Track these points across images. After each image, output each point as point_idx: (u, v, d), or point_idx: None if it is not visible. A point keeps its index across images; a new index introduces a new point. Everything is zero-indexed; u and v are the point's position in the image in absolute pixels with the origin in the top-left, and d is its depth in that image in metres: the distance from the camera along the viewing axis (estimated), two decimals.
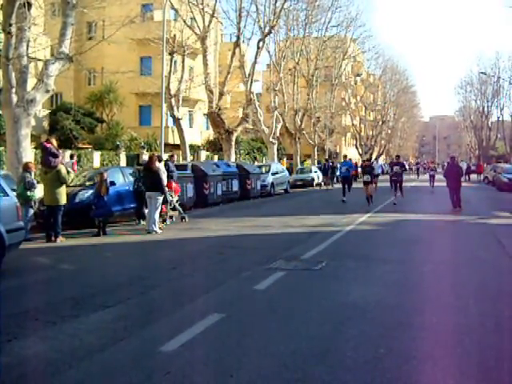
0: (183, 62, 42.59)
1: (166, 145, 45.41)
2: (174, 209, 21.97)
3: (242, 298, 9.71)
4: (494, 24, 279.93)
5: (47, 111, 40.87)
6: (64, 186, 17.55)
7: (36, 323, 8.29)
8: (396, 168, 32.89)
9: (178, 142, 43.95)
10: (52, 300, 9.66)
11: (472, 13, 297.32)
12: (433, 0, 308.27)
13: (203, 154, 51.72)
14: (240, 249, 15.13)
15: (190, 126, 57.50)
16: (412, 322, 8.19)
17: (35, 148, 32.28)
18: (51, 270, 12.92)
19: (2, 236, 11.79)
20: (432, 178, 46.75)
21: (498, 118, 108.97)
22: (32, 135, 36.74)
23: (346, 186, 33.34)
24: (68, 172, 17.87)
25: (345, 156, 37.53)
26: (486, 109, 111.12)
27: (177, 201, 21.98)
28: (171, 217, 22.10)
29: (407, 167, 37.63)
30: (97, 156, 36.43)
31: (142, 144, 42.20)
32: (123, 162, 37.80)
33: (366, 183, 29.95)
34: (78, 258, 14.83)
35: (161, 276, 11.74)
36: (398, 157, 34.35)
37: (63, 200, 17.46)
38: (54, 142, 18.50)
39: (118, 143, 40.92)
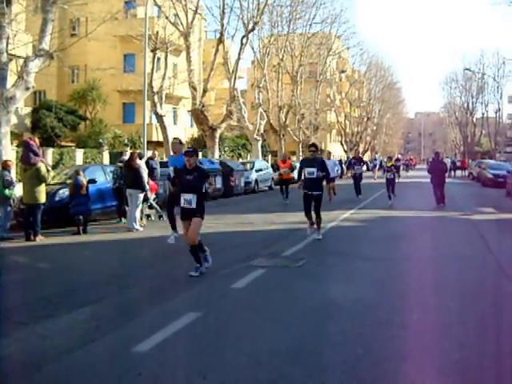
0: (166, 58, 42.33)
1: (150, 142, 45.18)
2: (151, 207, 21.69)
3: (219, 296, 9.54)
4: (478, 21, 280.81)
5: (29, 109, 40.51)
6: (43, 185, 17.25)
7: (8, 324, 8.09)
8: (357, 167, 33.34)
9: (161, 139, 43.69)
10: (26, 300, 9.45)
11: (456, 9, 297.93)
12: None
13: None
14: (220, 246, 14.91)
15: (175, 123, 57.15)
16: (392, 320, 8.05)
17: (17, 146, 32.05)
18: (28, 269, 12.70)
19: None
20: (390, 184, 28.47)
21: (483, 114, 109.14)
22: (14, 133, 36.66)
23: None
24: (48, 170, 17.58)
25: (329, 153, 35.19)
26: (470, 105, 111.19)
27: (154, 199, 21.71)
28: (148, 215, 21.84)
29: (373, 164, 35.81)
30: (79, 154, 36.06)
31: (126, 141, 41.95)
32: (106, 159, 37.38)
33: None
34: (56, 256, 14.59)
35: (138, 274, 11.60)
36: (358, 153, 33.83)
37: (42, 199, 17.20)
38: (37, 140, 18.29)
39: (100, 141, 40.50)
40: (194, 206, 11.05)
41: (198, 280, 10.73)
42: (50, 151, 33.32)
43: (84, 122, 47.09)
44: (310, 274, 11.28)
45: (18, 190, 18.09)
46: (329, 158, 31.76)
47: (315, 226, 16.33)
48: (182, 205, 11.19)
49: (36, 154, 17.23)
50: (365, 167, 31.88)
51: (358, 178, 32.56)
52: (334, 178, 30.23)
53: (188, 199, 11.04)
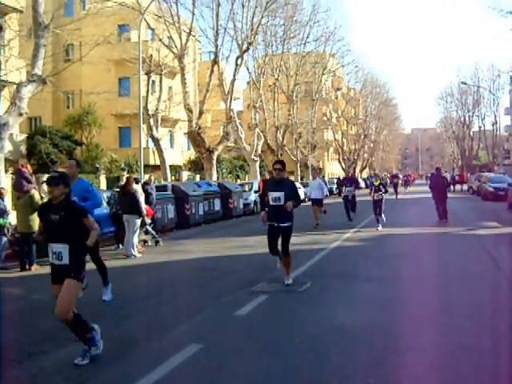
0: (161, 81, 42.15)
1: (147, 166, 44.84)
2: (146, 232, 21.27)
3: (221, 325, 9.14)
4: (472, 35, 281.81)
5: (25, 135, 40.20)
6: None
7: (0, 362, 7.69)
8: (349, 189, 29.12)
9: (159, 162, 43.38)
10: (20, 335, 9.06)
11: (450, 24, 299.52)
12: (410, 13, 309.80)
13: (185, 174, 51.12)
14: (221, 271, 14.57)
15: (171, 146, 56.88)
16: (402, 345, 7.67)
17: (12, 173, 31.69)
18: (22, 300, 12.31)
19: None
20: (378, 206, 24.71)
21: (480, 127, 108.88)
22: (9, 160, 36.34)
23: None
24: (41, 197, 17.19)
25: (315, 171, 33.50)
26: (467, 119, 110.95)
27: (150, 224, 21.31)
28: (145, 241, 21.42)
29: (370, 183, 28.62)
30: None
31: (123, 166, 41.65)
32: (103, 184, 37.13)
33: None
34: (50, 287, 14.16)
35: (136, 304, 11.17)
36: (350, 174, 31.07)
37: (37, 227, 16.73)
38: (29, 167, 17.93)
39: (97, 166, 40.24)
40: (65, 261, 7.69)
41: (200, 308, 10.29)
42: (45, 178, 32.89)
43: (80, 148, 46.72)
44: (314, 299, 10.87)
45: (12, 219, 17.69)
46: (314, 178, 30.14)
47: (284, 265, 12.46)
48: (50, 259, 7.90)
49: (29, 182, 16.88)
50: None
51: (349, 201, 28.78)
52: (320, 200, 27.00)
53: (56, 251, 7.70)
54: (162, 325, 9.29)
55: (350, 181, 31.12)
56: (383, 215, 24.52)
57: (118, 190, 21.10)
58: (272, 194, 12.22)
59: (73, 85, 50.71)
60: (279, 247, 12.30)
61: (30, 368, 7.39)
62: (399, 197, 50.88)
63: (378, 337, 8.11)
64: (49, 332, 9.10)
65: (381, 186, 25.04)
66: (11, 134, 36.79)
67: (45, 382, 6.85)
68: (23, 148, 39.09)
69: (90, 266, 15.36)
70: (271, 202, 12.23)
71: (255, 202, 40.34)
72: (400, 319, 9.26)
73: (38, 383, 6.81)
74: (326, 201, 29.07)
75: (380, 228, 23.72)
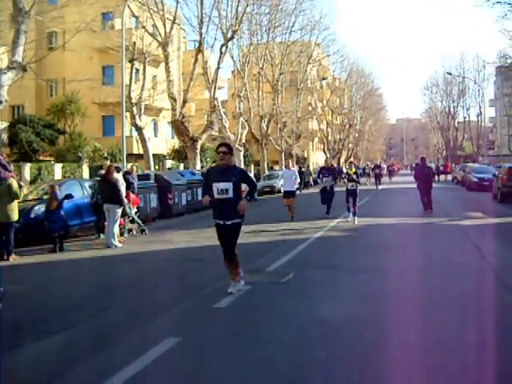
0: (144, 69, 41.74)
1: (131, 155, 44.56)
2: (132, 221, 21.01)
3: (201, 318, 8.87)
4: (458, 25, 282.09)
5: (6, 124, 39.71)
6: (16, 202, 16.49)
7: None
8: (326, 179, 26.81)
9: (142, 151, 43.04)
10: None
11: (437, 14, 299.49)
12: (397, 2, 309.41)
13: (168, 163, 50.81)
14: (202, 262, 14.33)
15: (155, 135, 56.54)
16: (388, 339, 7.44)
17: None
18: None
19: None
20: (351, 196, 23.27)
21: (465, 118, 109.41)
22: None
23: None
24: (20, 186, 16.84)
25: (288, 160, 31.24)
26: (452, 109, 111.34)
27: (136, 213, 21.06)
28: (130, 230, 21.17)
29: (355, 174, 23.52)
30: (58, 168, 35.41)
31: (106, 155, 41.27)
32: (86, 173, 36.82)
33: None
34: (28, 278, 13.88)
35: (115, 296, 10.88)
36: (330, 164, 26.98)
37: (15, 216, 16.43)
38: (5, 155, 17.56)
39: (79, 155, 39.87)
40: None
41: (179, 300, 10.05)
42: (27, 166, 32.66)
43: (64, 136, 46.31)
44: (297, 290, 10.60)
45: None
46: (288, 167, 27.22)
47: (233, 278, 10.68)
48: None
49: (6, 169, 16.51)
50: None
51: (327, 192, 26.08)
52: (293, 192, 25.10)
53: None
54: (139, 317, 9.04)
55: (328, 171, 27.76)
56: (357, 207, 22.79)
57: (98, 179, 20.82)
58: (217, 186, 10.14)
59: (56, 73, 50.34)
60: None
61: (6, 362, 7.11)
62: (383, 187, 50.72)
63: (362, 330, 7.87)
64: (22, 325, 8.81)
65: (354, 176, 23.27)
66: None
67: (14, 378, 6.56)
68: (5, 137, 38.69)
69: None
70: (216, 195, 10.16)
71: None
72: (385, 312, 9.02)
73: (6, 380, 6.50)
74: (307, 191, 28.64)
75: (352, 219, 22.27)
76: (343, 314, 8.69)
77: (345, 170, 25.10)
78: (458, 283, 10.93)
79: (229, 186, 10.04)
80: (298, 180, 26.61)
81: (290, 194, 24.96)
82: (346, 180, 24.29)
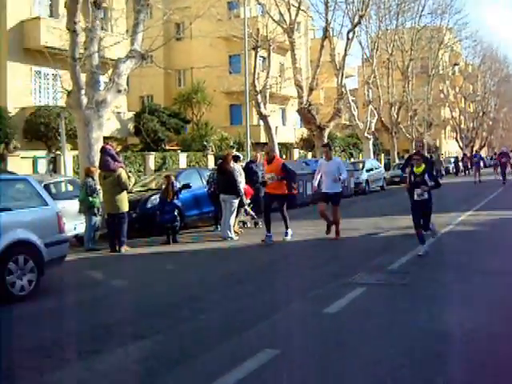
0: (269, 56, 41.12)
1: (258, 144, 44.15)
2: (246, 213, 20.29)
3: (305, 326, 7.91)
4: None
5: (132, 114, 40.08)
6: (125, 193, 16.19)
7: (45, 362, 6.79)
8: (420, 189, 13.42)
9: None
10: (80, 328, 8.17)
11: None
12: None
13: (296, 152, 50.13)
14: (317, 259, 13.31)
15: (283, 124, 56.18)
16: None
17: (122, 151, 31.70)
18: (98, 287, 11.47)
19: (39, 251, 10.42)
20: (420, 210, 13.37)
21: None
22: (117, 138, 36.35)
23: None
24: (129, 177, 16.50)
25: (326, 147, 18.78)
26: None
27: (249, 204, 20.26)
28: (244, 222, 20.49)
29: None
30: (183, 157, 35.42)
31: (232, 144, 41.08)
32: (211, 162, 36.67)
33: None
34: (134, 271, 13.44)
35: (218, 295, 9.99)
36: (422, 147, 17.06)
37: (125, 207, 16.07)
38: (115, 146, 17.29)
39: (205, 143, 39.80)
40: None
41: (285, 303, 9.11)
42: (151, 156, 32.79)
43: (189, 126, 46.50)
44: (418, 293, 9.43)
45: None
46: (328, 157, 17.39)
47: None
48: None
49: (115, 160, 16.18)
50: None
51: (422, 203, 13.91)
52: (337, 195, 16.84)
53: None
54: (236, 323, 8.14)
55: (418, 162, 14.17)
56: (431, 227, 14.07)
57: (216, 168, 20.27)
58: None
59: (184, 63, 50.70)
60: None
61: (76, 370, 6.49)
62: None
63: (494, 348, 6.67)
64: (112, 326, 8.27)
65: (425, 177, 13.25)
66: (119, 113, 36.90)
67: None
68: (131, 126, 39.02)
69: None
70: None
71: (367, 181, 39.19)
72: None
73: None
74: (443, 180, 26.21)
75: (423, 252, 13.04)
76: (471, 326, 7.42)
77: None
78: None
79: None
80: (344, 176, 17.38)
81: (329, 198, 16.84)
82: (408, 184, 14.12)
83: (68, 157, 25.80)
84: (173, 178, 18.49)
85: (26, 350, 7.29)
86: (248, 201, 19.85)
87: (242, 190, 18.20)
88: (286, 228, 16.64)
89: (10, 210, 10.50)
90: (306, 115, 40.48)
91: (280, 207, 16.98)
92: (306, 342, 7.22)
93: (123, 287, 11.52)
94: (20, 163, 25.53)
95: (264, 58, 44.72)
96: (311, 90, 40.76)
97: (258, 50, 39.82)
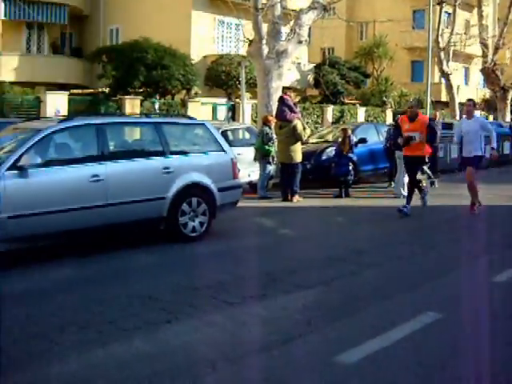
0: (454, 13, 39.73)
1: (438, 102, 43.12)
2: (422, 172, 19.77)
3: (472, 292, 7.59)
4: None
5: (312, 65, 40.13)
6: (299, 144, 16.29)
7: (209, 302, 7.05)
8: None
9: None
10: (246, 274, 8.37)
11: None
12: None
13: (477, 114, 48.50)
14: (486, 224, 12.66)
15: (466, 83, 54.42)
16: None
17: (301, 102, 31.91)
18: (267, 234, 11.67)
19: (212, 194, 10.74)
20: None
21: None
22: (297, 89, 36.59)
23: None
24: (304, 128, 16.57)
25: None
26: None
27: (426, 163, 19.71)
28: (419, 181, 20.05)
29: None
30: (361, 112, 35.18)
31: (411, 100, 40.22)
32: (389, 118, 36.18)
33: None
34: (304, 221, 13.62)
35: (383, 252, 9.92)
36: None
37: (298, 158, 16.20)
38: (293, 96, 17.37)
39: (384, 99, 39.27)
40: None
41: (451, 267, 8.87)
42: (329, 108, 32.80)
43: (369, 80, 45.99)
44: None
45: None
46: (471, 116, 14.84)
47: None
48: None
49: (292, 111, 16.29)
50: None
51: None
52: (477, 159, 14.25)
53: None
54: (400, 282, 8.11)
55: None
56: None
57: (394, 124, 19.94)
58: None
59: (366, 16, 49.92)
60: None
61: (237, 314, 6.68)
62: None
63: None
64: (277, 274, 8.36)
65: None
66: (299, 64, 37.05)
67: (248, 333, 6.07)
68: (310, 78, 39.12)
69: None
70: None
71: None
72: None
73: (238, 335, 6.02)
74: None
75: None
76: None
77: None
78: None
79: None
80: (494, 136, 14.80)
81: (469, 163, 14.34)
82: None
83: (247, 105, 26.26)
84: (350, 131, 18.45)
85: (192, 289, 7.63)
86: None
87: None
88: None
89: (187, 153, 10.92)
90: (490, 75, 39.16)
91: (421, 171, 16.02)
92: (469, 308, 6.95)
93: (292, 237, 11.66)
94: (200, 109, 26.34)
95: (449, 14, 43.36)
96: (497, 49, 39.33)
97: (443, 5, 38.64)
